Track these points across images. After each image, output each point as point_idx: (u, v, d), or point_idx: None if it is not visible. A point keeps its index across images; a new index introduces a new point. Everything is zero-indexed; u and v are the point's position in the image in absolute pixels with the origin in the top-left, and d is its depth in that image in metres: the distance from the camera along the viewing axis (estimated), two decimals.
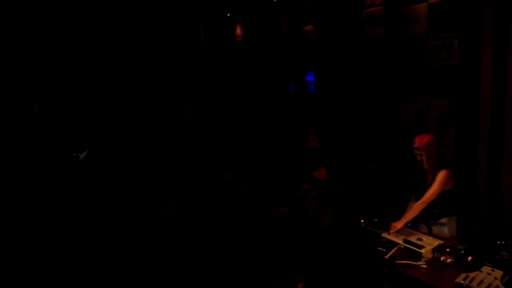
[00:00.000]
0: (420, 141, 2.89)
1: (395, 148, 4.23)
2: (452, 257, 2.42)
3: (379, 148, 4.44)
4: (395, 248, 2.64)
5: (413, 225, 2.99)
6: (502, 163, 3.24)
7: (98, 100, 5.92)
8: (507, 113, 3.22)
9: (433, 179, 2.89)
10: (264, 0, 5.73)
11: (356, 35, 4.55)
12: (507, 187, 3.24)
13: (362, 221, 3.02)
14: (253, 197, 3.48)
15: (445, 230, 2.96)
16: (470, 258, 2.39)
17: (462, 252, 2.45)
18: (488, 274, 2.21)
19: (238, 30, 6.48)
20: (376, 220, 3.04)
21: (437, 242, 2.63)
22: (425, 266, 2.44)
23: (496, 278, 2.15)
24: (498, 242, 2.38)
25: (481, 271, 2.24)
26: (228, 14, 6.51)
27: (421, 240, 2.69)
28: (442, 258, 2.45)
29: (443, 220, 2.97)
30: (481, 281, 2.13)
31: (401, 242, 2.69)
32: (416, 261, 2.48)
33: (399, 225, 2.86)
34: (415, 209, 2.91)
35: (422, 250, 2.55)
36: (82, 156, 3.86)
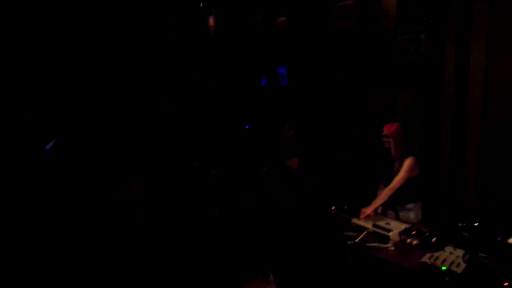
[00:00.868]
0: (389, 128, 3.01)
1: (364, 138, 4.36)
2: (417, 239, 2.54)
3: (349, 138, 4.56)
4: (365, 232, 2.73)
5: (382, 212, 3.11)
6: (464, 151, 3.42)
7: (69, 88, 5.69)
8: (469, 104, 3.41)
9: (400, 166, 3.02)
10: None
11: (328, 28, 4.63)
12: (468, 173, 3.43)
13: (333, 208, 3.11)
14: (222, 184, 3.48)
15: (411, 215, 3.11)
16: (434, 239, 2.51)
17: (427, 234, 2.57)
18: (451, 253, 2.33)
19: (211, 21, 6.40)
20: (346, 207, 3.13)
21: (403, 226, 2.75)
22: (393, 248, 2.54)
23: (458, 257, 2.27)
24: (460, 224, 2.52)
25: (444, 251, 2.36)
26: (201, 4, 6.42)
27: (389, 224, 2.81)
28: (409, 240, 2.56)
29: (409, 205, 3.11)
30: (444, 260, 2.25)
31: (370, 226, 2.78)
32: (385, 244, 2.58)
33: (368, 210, 2.96)
34: (383, 195, 3.03)
35: (390, 234, 2.65)
36: (48, 146, 3.67)
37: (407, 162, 2.99)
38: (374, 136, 3.43)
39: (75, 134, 3.97)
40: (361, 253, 2.55)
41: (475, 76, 3.35)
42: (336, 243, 2.06)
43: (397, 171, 3.03)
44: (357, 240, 2.63)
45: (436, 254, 2.32)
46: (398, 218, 3.06)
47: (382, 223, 2.81)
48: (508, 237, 2.29)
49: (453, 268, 2.17)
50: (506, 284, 2.03)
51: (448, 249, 2.39)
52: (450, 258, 2.27)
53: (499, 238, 2.31)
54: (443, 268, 2.17)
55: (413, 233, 2.62)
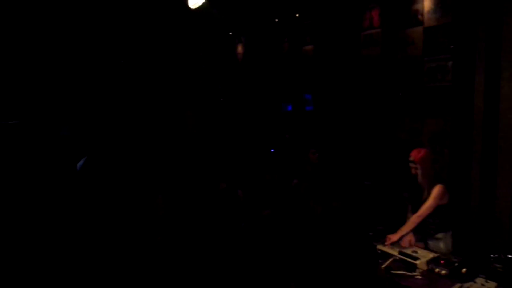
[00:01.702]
0: (417, 154, 2.96)
1: (390, 165, 4.30)
2: (446, 269, 2.44)
3: (374, 165, 4.51)
4: (391, 259, 2.65)
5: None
6: (495, 179, 3.31)
7: (101, 107, 6.01)
8: (500, 131, 3.33)
9: (429, 194, 2.95)
10: (266, 20, 5.93)
11: (354, 55, 4.71)
12: (500, 202, 3.30)
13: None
14: (248, 205, 3.52)
15: (441, 245, 2.99)
16: (464, 270, 2.41)
17: (456, 264, 2.48)
18: (482, 285, 2.23)
19: (240, 48, 6.66)
20: (371, 233, 3.07)
21: (431, 255, 2.66)
22: (420, 277, 2.46)
23: None
24: (492, 255, 2.42)
25: (475, 282, 2.26)
26: (230, 33, 6.71)
27: (416, 252, 2.72)
28: (437, 270, 2.46)
29: (439, 235, 3.00)
30: None
31: (396, 253, 2.71)
32: (411, 272, 2.50)
33: (394, 237, 2.88)
34: (411, 223, 2.95)
35: (417, 262, 2.57)
36: (79, 164, 3.87)
37: (436, 190, 2.92)
38: (401, 163, 3.38)
39: (105, 151, 4.16)
40: (386, 280, 2.48)
41: (506, 103, 3.29)
42: (366, 255, 2.01)
43: (426, 199, 2.96)
44: (382, 267, 2.57)
45: (466, 285, 2.23)
46: (426, 247, 2.96)
47: (408, 251, 2.72)
48: None
49: None
50: None
51: (480, 280, 2.29)
52: None
53: None
54: None
55: (441, 262, 2.52)
